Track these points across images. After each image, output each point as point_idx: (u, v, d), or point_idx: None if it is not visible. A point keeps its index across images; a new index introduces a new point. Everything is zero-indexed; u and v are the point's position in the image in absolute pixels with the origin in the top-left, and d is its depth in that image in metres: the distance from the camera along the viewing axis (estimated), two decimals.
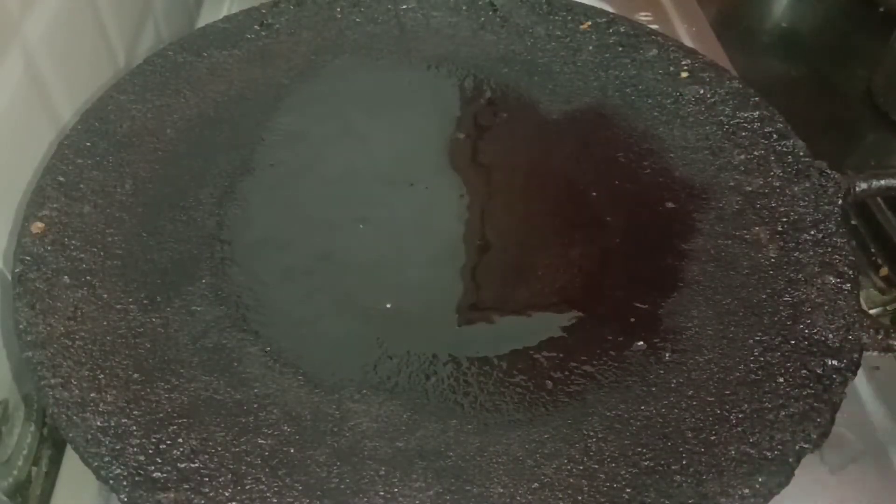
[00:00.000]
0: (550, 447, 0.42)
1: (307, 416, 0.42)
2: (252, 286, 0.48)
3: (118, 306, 0.45)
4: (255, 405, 0.42)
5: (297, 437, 0.41)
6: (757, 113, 0.58)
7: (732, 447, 0.41)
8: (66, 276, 0.45)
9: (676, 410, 0.43)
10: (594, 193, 0.56)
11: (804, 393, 0.43)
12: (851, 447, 0.48)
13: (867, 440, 0.49)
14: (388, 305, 0.49)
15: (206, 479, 0.38)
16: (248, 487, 0.38)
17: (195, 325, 0.46)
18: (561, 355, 0.47)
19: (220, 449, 0.40)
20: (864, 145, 0.71)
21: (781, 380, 0.44)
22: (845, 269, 0.48)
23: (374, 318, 0.48)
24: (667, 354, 0.47)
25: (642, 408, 0.44)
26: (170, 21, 0.71)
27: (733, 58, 0.72)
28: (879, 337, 0.46)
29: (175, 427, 0.40)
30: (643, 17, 0.77)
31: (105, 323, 0.44)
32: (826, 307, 0.47)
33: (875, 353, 0.47)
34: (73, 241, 0.47)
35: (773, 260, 0.50)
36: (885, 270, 0.54)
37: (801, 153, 0.55)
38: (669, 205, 0.55)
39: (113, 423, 0.39)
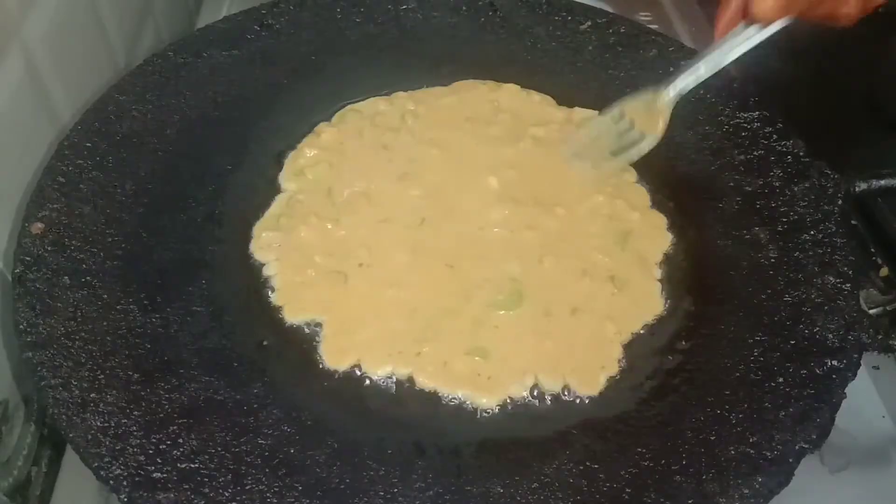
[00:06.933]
0: (551, 447, 0.42)
1: (307, 416, 0.42)
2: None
3: (118, 306, 0.45)
4: (255, 405, 0.42)
5: (297, 437, 0.41)
6: (757, 113, 0.58)
7: (732, 447, 0.41)
8: (66, 277, 0.45)
9: (676, 411, 0.43)
10: None
11: (804, 393, 0.43)
12: (851, 447, 0.48)
13: (867, 440, 0.49)
14: None
15: (206, 479, 0.38)
16: (248, 487, 0.38)
17: (195, 325, 0.46)
18: None
19: (220, 449, 0.40)
20: (864, 145, 0.70)
21: (781, 380, 0.44)
22: (845, 269, 0.48)
23: None
24: (667, 355, 0.47)
25: (642, 408, 0.44)
26: (170, 21, 0.71)
27: None
28: (879, 337, 0.46)
29: (175, 427, 0.40)
30: (643, 17, 0.77)
31: (105, 323, 0.44)
32: (826, 307, 0.47)
33: (875, 353, 0.47)
34: (73, 242, 0.47)
35: (773, 260, 0.50)
36: (885, 270, 0.54)
37: (801, 153, 0.55)
38: (670, 204, 0.55)
39: (113, 424, 0.40)
